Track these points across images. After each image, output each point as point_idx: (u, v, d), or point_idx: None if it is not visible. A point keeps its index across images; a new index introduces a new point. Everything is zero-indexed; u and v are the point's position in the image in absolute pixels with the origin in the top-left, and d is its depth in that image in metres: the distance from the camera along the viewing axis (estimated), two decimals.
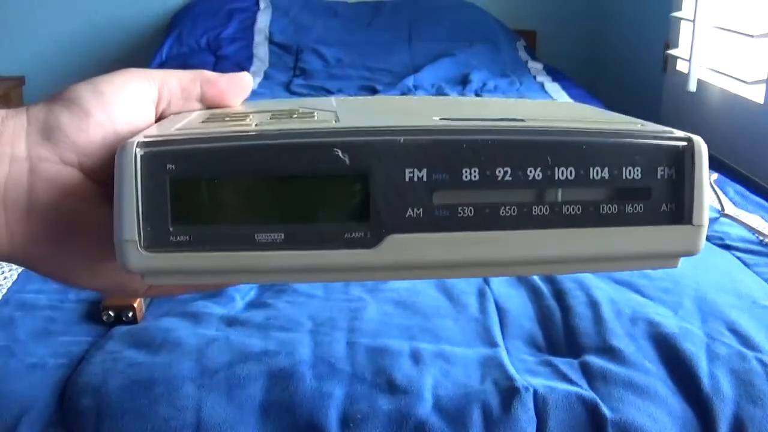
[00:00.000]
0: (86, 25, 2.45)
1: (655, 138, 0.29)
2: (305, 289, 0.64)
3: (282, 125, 0.30)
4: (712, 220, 0.85)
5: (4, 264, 0.69)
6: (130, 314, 0.59)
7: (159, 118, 0.36)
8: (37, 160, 0.32)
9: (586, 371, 0.53)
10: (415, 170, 0.27)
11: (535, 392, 0.49)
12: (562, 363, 0.54)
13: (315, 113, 0.33)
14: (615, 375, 0.52)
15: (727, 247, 0.78)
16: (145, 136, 0.28)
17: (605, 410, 0.48)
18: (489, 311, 0.61)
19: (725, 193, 0.97)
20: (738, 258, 0.75)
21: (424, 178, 0.27)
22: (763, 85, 1.46)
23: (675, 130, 0.30)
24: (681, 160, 0.29)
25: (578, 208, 0.28)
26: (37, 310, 0.61)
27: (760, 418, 0.49)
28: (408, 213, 0.27)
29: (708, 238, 0.80)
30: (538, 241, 0.28)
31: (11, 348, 0.55)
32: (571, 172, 0.28)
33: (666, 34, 1.95)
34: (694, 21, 1.65)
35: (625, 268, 0.34)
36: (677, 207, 0.30)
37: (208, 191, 0.28)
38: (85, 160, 0.33)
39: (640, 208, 0.29)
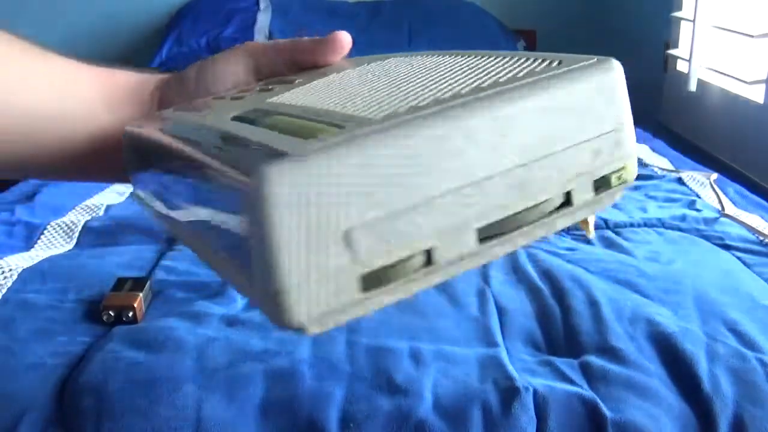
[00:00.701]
0: (86, 25, 2.44)
1: None
2: None
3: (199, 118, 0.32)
4: (712, 220, 0.85)
5: (3, 264, 0.69)
6: (130, 314, 0.59)
7: (266, 78, 0.39)
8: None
9: (586, 371, 0.53)
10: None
11: (535, 392, 0.49)
12: (562, 363, 0.54)
13: (292, 89, 0.33)
14: (615, 375, 0.52)
15: (727, 247, 0.78)
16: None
17: (605, 410, 0.48)
18: (489, 311, 0.61)
19: (725, 193, 0.97)
20: (738, 258, 0.75)
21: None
22: (763, 85, 1.46)
23: None
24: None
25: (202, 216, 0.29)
26: (37, 310, 0.61)
27: (760, 418, 0.49)
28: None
29: (708, 238, 0.80)
30: None
31: (11, 348, 0.55)
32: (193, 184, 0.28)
33: (666, 34, 1.95)
34: (694, 21, 1.65)
35: None
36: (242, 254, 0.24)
37: None
38: None
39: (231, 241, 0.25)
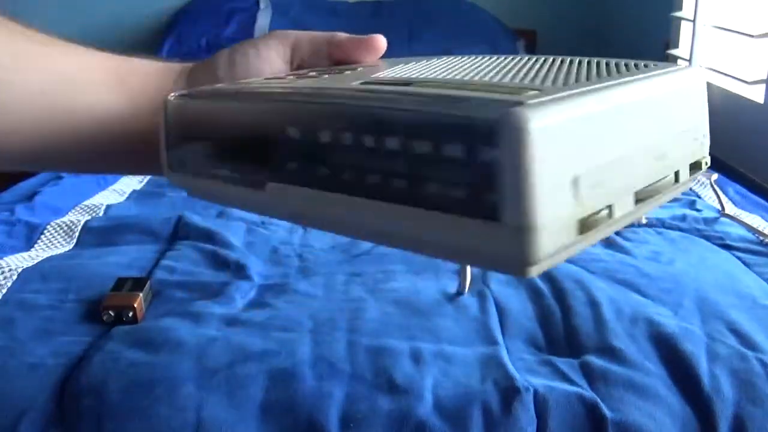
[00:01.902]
0: (86, 25, 2.44)
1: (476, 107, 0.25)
2: (305, 289, 0.64)
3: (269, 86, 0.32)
4: (712, 220, 0.85)
5: (3, 264, 0.69)
6: (130, 314, 0.59)
7: (297, 69, 0.39)
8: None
9: (586, 371, 0.53)
10: (294, 128, 0.29)
11: (536, 392, 0.49)
12: (562, 363, 0.54)
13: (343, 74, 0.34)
14: (615, 375, 0.52)
15: (727, 247, 0.78)
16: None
17: (605, 410, 0.48)
18: (489, 311, 0.61)
19: (725, 193, 0.97)
20: (738, 258, 0.75)
21: (298, 136, 0.29)
22: (763, 85, 1.46)
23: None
24: (491, 138, 0.23)
25: (403, 183, 0.26)
26: (37, 310, 0.61)
27: (760, 418, 0.49)
28: (287, 165, 0.29)
29: (708, 238, 0.80)
30: (364, 210, 0.27)
31: (11, 348, 0.55)
32: (396, 142, 0.26)
33: (666, 34, 1.95)
34: (694, 21, 1.65)
35: (445, 257, 0.29)
36: (481, 196, 0.24)
37: None
38: None
39: (452, 193, 0.25)
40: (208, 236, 0.78)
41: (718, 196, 0.93)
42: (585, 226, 0.25)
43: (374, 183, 0.27)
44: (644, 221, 0.85)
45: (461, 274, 0.63)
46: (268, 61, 0.38)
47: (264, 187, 0.30)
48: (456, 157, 0.24)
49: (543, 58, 0.37)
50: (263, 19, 2.28)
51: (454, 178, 0.24)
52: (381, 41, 0.40)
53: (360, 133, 0.27)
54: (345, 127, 0.27)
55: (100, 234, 0.81)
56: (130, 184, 1.03)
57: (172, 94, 0.35)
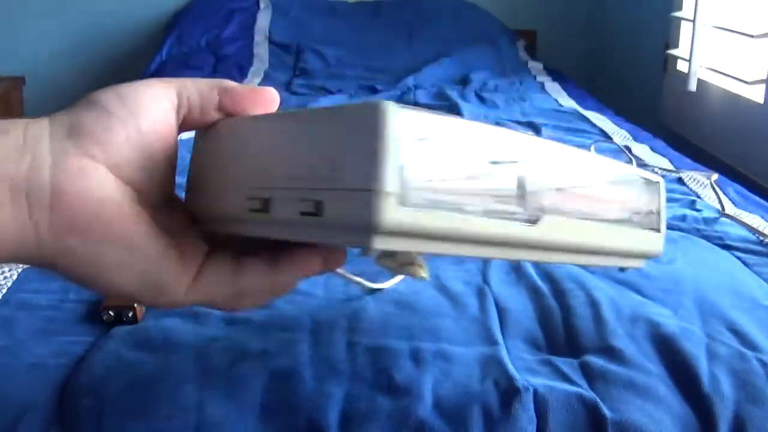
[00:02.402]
0: (86, 25, 2.45)
1: None
2: (305, 289, 0.64)
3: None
4: (712, 220, 0.85)
5: (4, 264, 0.69)
6: (130, 314, 0.59)
7: (181, 125, 0.38)
8: (61, 153, 0.32)
9: (586, 371, 0.53)
10: None
11: (535, 392, 0.49)
12: (562, 363, 0.54)
13: None
14: (615, 375, 0.52)
15: (727, 247, 0.78)
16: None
17: (605, 410, 0.48)
18: (489, 311, 0.61)
19: (725, 193, 0.97)
20: (738, 258, 0.75)
21: None
22: (763, 85, 1.46)
23: None
24: None
25: None
26: (37, 310, 0.61)
27: (760, 418, 0.49)
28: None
29: (708, 238, 0.80)
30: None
31: (11, 348, 0.55)
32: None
33: (666, 34, 1.95)
34: (694, 21, 1.65)
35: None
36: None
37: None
38: (111, 158, 0.33)
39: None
40: None
41: (718, 196, 0.93)
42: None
43: None
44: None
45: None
46: (157, 106, 0.35)
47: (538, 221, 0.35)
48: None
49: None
50: (263, 19, 2.28)
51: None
52: (273, 95, 0.39)
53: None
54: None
55: None
56: None
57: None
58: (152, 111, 0.35)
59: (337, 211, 0.30)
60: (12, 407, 0.49)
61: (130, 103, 0.34)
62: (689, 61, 1.68)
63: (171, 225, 0.37)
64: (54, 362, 0.53)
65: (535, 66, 2.10)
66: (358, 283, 0.58)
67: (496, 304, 0.62)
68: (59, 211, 0.32)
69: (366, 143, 0.29)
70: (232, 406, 0.48)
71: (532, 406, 0.49)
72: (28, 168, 0.32)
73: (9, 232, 0.32)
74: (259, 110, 0.39)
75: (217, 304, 0.39)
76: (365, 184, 0.28)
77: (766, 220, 0.87)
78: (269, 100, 0.39)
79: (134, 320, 0.59)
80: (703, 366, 0.53)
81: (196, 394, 0.49)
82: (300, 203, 0.31)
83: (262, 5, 2.31)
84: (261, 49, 2.14)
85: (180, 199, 0.41)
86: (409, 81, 1.85)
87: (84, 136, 0.33)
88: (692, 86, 1.68)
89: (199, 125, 0.39)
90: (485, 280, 0.67)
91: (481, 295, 0.64)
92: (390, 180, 0.28)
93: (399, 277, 0.63)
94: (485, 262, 0.71)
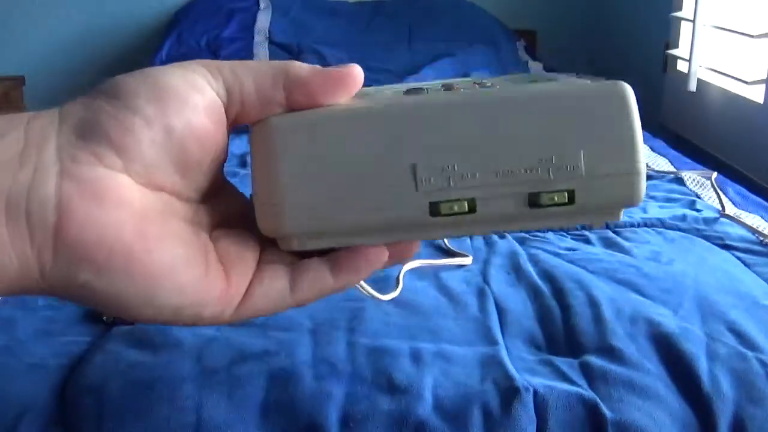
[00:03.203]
0: (86, 25, 2.44)
1: None
2: None
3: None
4: (712, 220, 0.85)
5: None
6: None
7: (232, 124, 0.30)
8: (70, 162, 0.25)
9: (586, 371, 0.53)
10: None
11: (535, 392, 0.49)
12: (562, 363, 0.54)
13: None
14: (615, 375, 0.52)
15: (727, 247, 0.78)
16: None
17: (605, 410, 0.48)
18: (489, 310, 0.61)
19: (725, 193, 0.97)
20: (738, 258, 0.75)
21: None
22: (763, 85, 1.46)
23: None
24: None
25: None
26: (37, 310, 0.61)
27: (760, 418, 0.49)
28: None
29: (708, 238, 0.80)
30: None
31: (11, 348, 0.55)
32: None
33: (666, 34, 1.95)
34: (694, 21, 1.65)
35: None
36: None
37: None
38: (132, 165, 0.26)
39: None
40: None
41: (719, 196, 0.93)
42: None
43: None
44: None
45: None
46: (196, 92, 0.28)
47: None
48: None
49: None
50: (263, 19, 2.28)
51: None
52: (353, 76, 0.31)
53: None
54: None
55: None
56: None
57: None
58: (189, 108, 0.27)
59: (592, 196, 0.31)
60: (12, 407, 0.49)
61: (161, 95, 0.27)
62: (689, 61, 1.68)
63: (217, 221, 0.31)
64: (54, 362, 0.53)
65: (534, 66, 2.10)
66: (372, 296, 0.57)
67: (496, 304, 0.62)
68: (66, 236, 0.25)
69: (618, 127, 0.30)
70: (232, 406, 0.48)
71: (532, 406, 0.49)
72: (30, 179, 0.25)
73: (8, 264, 0.25)
74: (340, 98, 0.31)
75: (270, 314, 0.33)
76: (625, 168, 0.31)
77: (766, 220, 0.87)
78: (348, 83, 0.30)
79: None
80: (703, 366, 0.53)
81: (195, 394, 0.49)
82: (520, 195, 0.31)
83: (262, 5, 2.31)
84: (261, 49, 2.14)
85: (230, 185, 0.34)
86: (409, 81, 1.85)
87: (98, 137, 0.26)
88: (692, 86, 1.68)
89: (255, 119, 0.30)
90: (485, 280, 0.67)
91: (481, 295, 0.64)
92: (642, 160, 0.31)
93: (399, 288, 0.63)
94: (485, 262, 0.71)
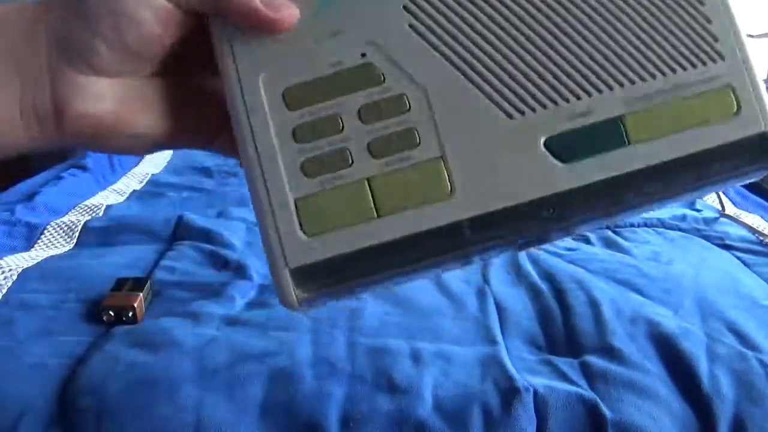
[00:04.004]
0: None
1: None
2: None
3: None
4: (712, 220, 0.85)
5: (3, 264, 0.70)
6: (130, 314, 0.59)
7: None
8: (57, 71, 0.33)
9: (586, 371, 0.53)
10: None
11: (535, 392, 0.49)
12: (562, 363, 0.54)
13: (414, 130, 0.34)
14: (615, 375, 0.52)
15: (727, 247, 0.78)
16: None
17: (605, 410, 0.48)
18: (489, 310, 0.61)
19: (725, 193, 0.97)
20: (738, 258, 0.75)
21: None
22: (763, 85, 1.46)
23: None
24: None
25: None
26: (37, 310, 0.61)
27: (760, 418, 0.49)
28: None
29: (708, 238, 0.80)
30: None
31: (11, 348, 0.55)
32: None
33: None
34: None
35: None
36: None
37: None
38: (103, 69, 0.33)
39: None
40: (208, 236, 0.78)
41: (719, 196, 0.93)
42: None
43: None
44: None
45: None
46: (147, 5, 0.33)
47: None
48: None
49: None
50: None
51: None
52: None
53: None
54: None
55: (100, 234, 0.81)
56: (130, 184, 1.03)
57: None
58: (142, 26, 0.33)
59: None
60: (12, 407, 0.49)
61: (118, 20, 0.32)
62: None
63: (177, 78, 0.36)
64: (54, 362, 0.53)
65: None
66: None
67: (496, 304, 0.62)
68: (64, 127, 0.34)
69: None
70: (232, 406, 0.48)
71: (532, 406, 0.49)
72: (34, 91, 0.33)
73: (20, 134, 0.34)
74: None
75: None
76: None
77: (766, 220, 0.87)
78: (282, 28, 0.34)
79: (134, 320, 0.59)
80: (703, 366, 0.53)
81: (195, 394, 0.49)
82: None
83: None
84: None
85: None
86: None
87: (76, 59, 0.33)
88: None
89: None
90: (485, 280, 0.67)
91: (481, 294, 0.64)
92: None
93: None
94: (485, 262, 0.71)
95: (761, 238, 0.80)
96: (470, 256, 0.33)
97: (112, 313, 0.59)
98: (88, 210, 0.91)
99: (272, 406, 0.49)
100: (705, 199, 0.96)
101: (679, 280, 0.66)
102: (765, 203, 0.97)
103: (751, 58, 0.34)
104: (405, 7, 0.33)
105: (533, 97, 0.33)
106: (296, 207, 0.32)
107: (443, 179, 0.32)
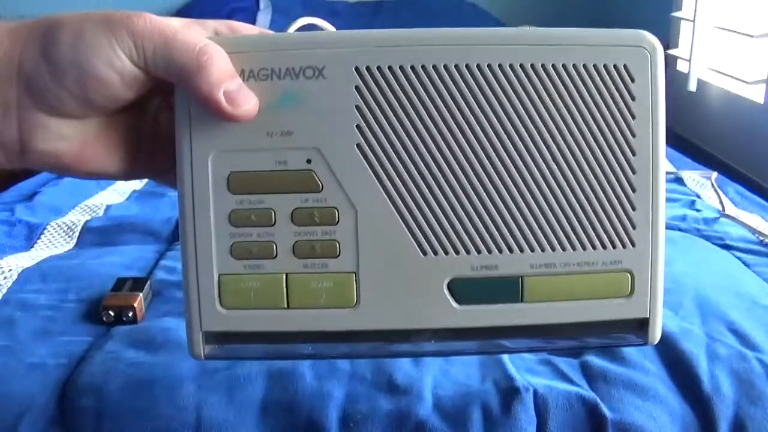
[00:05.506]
0: None
1: None
2: None
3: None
4: (712, 220, 0.85)
5: (3, 264, 0.70)
6: (130, 314, 0.59)
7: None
8: (24, 108, 0.35)
9: (586, 371, 0.53)
10: None
11: (535, 392, 0.49)
12: (562, 362, 0.54)
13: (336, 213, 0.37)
14: (615, 375, 0.52)
15: (727, 247, 0.78)
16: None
17: (605, 410, 0.48)
18: None
19: (725, 193, 0.97)
20: (738, 258, 0.75)
21: None
22: (763, 85, 1.46)
23: None
24: None
25: None
26: (37, 310, 0.61)
27: (760, 418, 0.49)
28: None
29: (708, 238, 0.80)
30: None
31: (11, 348, 0.55)
32: None
33: (666, 34, 1.96)
34: (694, 21, 1.66)
35: None
36: None
37: None
38: (64, 113, 0.35)
39: None
40: None
41: (719, 196, 0.93)
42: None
43: None
44: None
45: None
46: (114, 69, 0.34)
47: None
48: None
49: None
50: (263, 19, 2.28)
51: None
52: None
53: None
54: None
55: (100, 234, 0.81)
56: (130, 184, 1.03)
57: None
58: (108, 86, 0.34)
59: None
60: (12, 407, 0.49)
61: (84, 80, 0.34)
62: (689, 61, 1.69)
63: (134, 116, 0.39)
64: (54, 362, 0.53)
65: None
66: None
67: None
68: (26, 159, 0.36)
69: None
70: (232, 406, 0.48)
71: (532, 406, 0.49)
72: (2, 123, 0.35)
73: None
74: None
75: None
76: None
77: (766, 220, 0.87)
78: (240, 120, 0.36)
79: (134, 320, 0.59)
80: (703, 366, 0.53)
81: (196, 394, 0.49)
82: None
83: (262, 5, 2.31)
84: None
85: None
86: None
87: (38, 95, 0.34)
88: (692, 86, 1.69)
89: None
90: None
91: None
92: None
93: None
94: None
95: (761, 238, 0.80)
96: (361, 356, 0.40)
97: (112, 313, 0.59)
98: (88, 210, 0.91)
99: (272, 405, 0.49)
100: (705, 198, 0.96)
101: (679, 280, 0.66)
102: (765, 203, 0.97)
103: (660, 250, 0.36)
104: (358, 127, 0.35)
105: (450, 241, 0.36)
106: (219, 281, 0.36)
107: (352, 291, 0.36)
